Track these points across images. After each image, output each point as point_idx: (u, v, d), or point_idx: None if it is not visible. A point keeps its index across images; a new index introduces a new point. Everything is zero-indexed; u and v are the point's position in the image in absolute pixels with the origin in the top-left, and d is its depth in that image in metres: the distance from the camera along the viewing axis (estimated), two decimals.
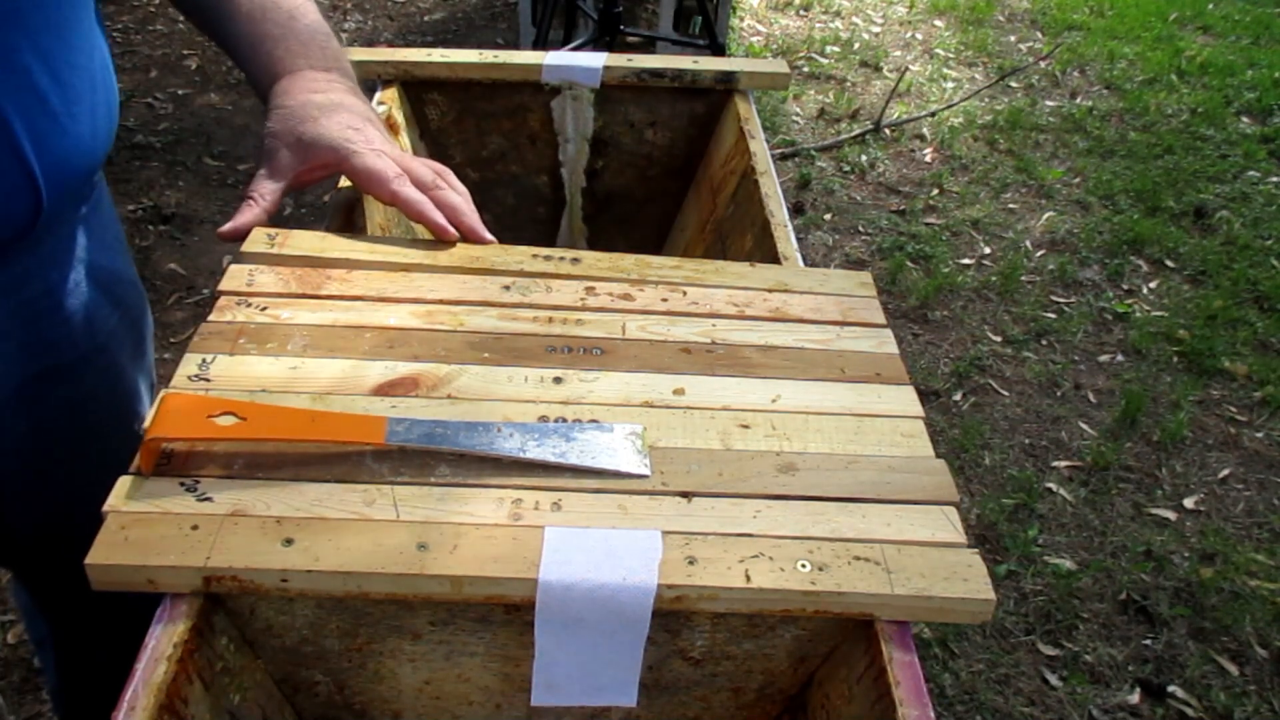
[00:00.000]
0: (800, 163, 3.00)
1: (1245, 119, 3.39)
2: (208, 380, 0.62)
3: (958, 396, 2.17)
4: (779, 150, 3.03)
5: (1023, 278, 2.56)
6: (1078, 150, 3.16)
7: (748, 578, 0.53)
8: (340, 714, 0.64)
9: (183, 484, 0.55)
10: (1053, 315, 2.44)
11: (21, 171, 0.65)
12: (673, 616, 0.57)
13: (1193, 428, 2.11)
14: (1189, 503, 1.94)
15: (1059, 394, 2.20)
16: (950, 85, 3.51)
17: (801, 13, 4.04)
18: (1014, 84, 3.56)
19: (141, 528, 0.52)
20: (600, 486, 0.58)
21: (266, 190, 0.76)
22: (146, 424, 0.55)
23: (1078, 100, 3.47)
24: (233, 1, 0.81)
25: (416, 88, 1.12)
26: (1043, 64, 3.70)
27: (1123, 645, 1.66)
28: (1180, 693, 1.58)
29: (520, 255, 0.77)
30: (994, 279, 2.54)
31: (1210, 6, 4.28)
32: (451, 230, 0.76)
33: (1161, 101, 3.46)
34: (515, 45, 3.41)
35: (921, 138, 3.18)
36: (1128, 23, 4.10)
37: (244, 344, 0.65)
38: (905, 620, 0.55)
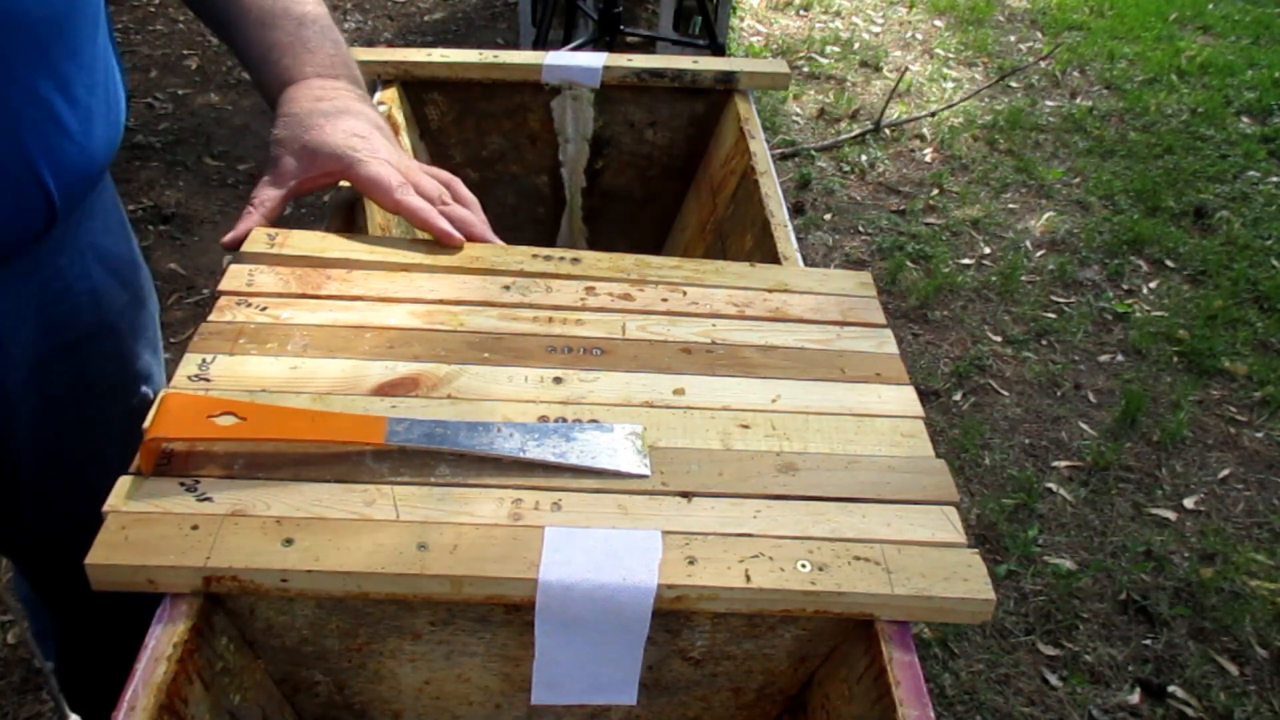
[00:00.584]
0: (800, 163, 3.00)
1: (1245, 119, 3.39)
2: (208, 380, 0.62)
3: (958, 396, 2.17)
4: (779, 150, 3.03)
5: (1023, 278, 2.56)
6: (1078, 150, 3.16)
7: (748, 578, 0.53)
8: (340, 714, 0.64)
9: (183, 484, 0.55)
10: (1053, 315, 2.44)
11: (37, 188, 0.66)
12: (673, 616, 0.57)
13: (1193, 428, 2.11)
14: (1189, 503, 1.94)
15: (1059, 394, 2.20)
16: (950, 85, 3.51)
17: (801, 13, 4.04)
18: (1014, 84, 3.56)
19: (141, 528, 0.52)
20: (600, 486, 0.58)
21: (268, 197, 0.76)
22: (147, 424, 0.56)
23: (1078, 100, 3.47)
24: (242, 8, 0.81)
25: (416, 88, 1.12)
26: (1043, 64, 3.70)
27: (1123, 645, 1.66)
28: (1180, 693, 1.58)
29: (520, 255, 0.77)
30: (994, 279, 2.54)
31: (1210, 6, 4.28)
32: (457, 235, 0.76)
33: (1161, 101, 3.46)
34: (515, 45, 3.41)
35: (921, 138, 3.18)
36: (1128, 23, 4.10)
37: (244, 344, 0.65)
38: (905, 620, 0.55)
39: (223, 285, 0.71)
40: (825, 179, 2.92)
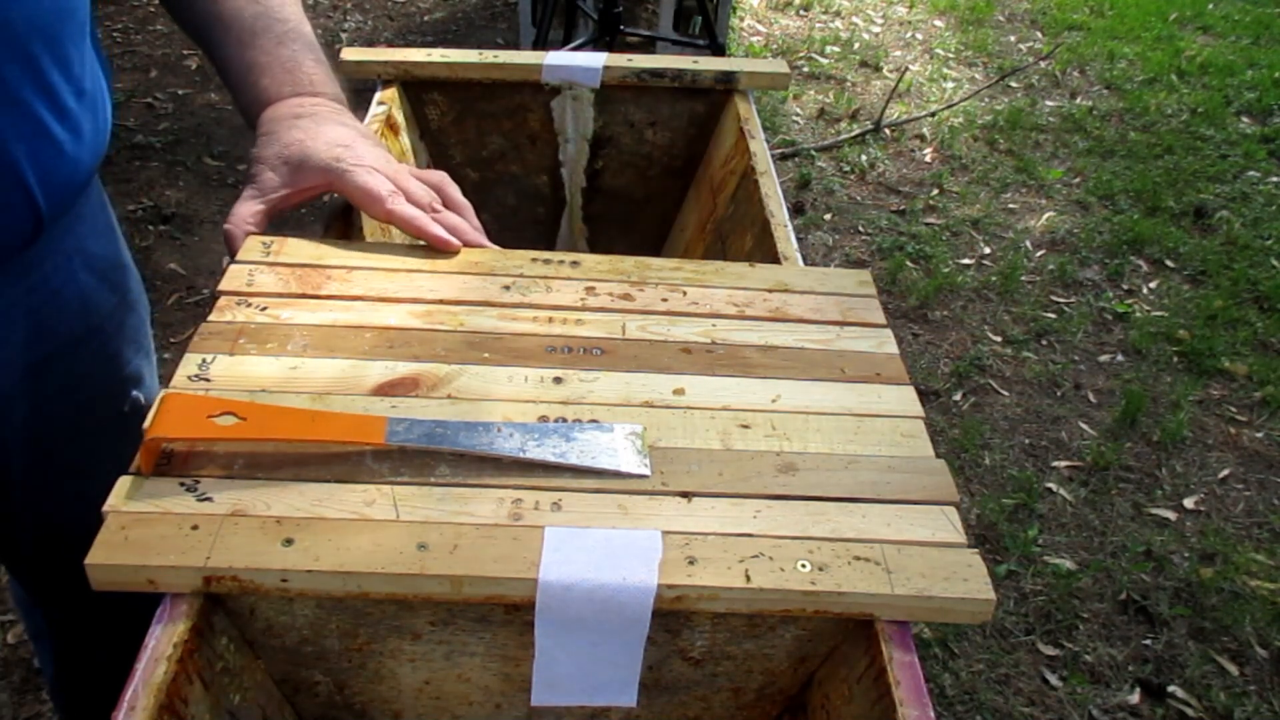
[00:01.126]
0: (800, 163, 3.00)
1: (1245, 119, 3.39)
2: (208, 380, 0.62)
3: (958, 396, 2.17)
4: (779, 150, 3.03)
5: (1023, 278, 2.56)
6: (1078, 150, 3.16)
7: (748, 578, 0.53)
8: (340, 714, 0.64)
9: (183, 484, 0.55)
10: (1053, 315, 2.44)
11: (24, 198, 0.66)
12: (673, 616, 0.57)
13: (1193, 428, 2.11)
14: (1189, 503, 1.94)
15: (1059, 394, 2.20)
16: (950, 85, 3.51)
17: (801, 13, 4.04)
18: (1014, 84, 3.56)
19: (141, 528, 0.52)
20: (600, 486, 0.58)
21: (249, 213, 0.75)
22: (147, 424, 0.56)
23: (1078, 100, 3.47)
24: (223, 27, 0.80)
25: (416, 88, 1.12)
26: (1043, 64, 3.70)
27: (1123, 645, 1.66)
28: (1180, 693, 1.58)
29: (519, 259, 0.77)
30: (994, 279, 2.54)
31: (1210, 6, 4.28)
32: (453, 241, 0.76)
33: (1161, 101, 3.46)
34: (515, 45, 3.41)
35: (921, 138, 3.18)
36: (1128, 23, 4.10)
37: (244, 344, 0.65)
38: (905, 620, 0.55)
39: (223, 285, 0.71)
40: (825, 179, 2.92)
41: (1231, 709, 1.56)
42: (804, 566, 0.54)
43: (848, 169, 2.99)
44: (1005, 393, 2.20)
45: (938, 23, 4.05)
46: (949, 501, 0.59)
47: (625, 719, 0.64)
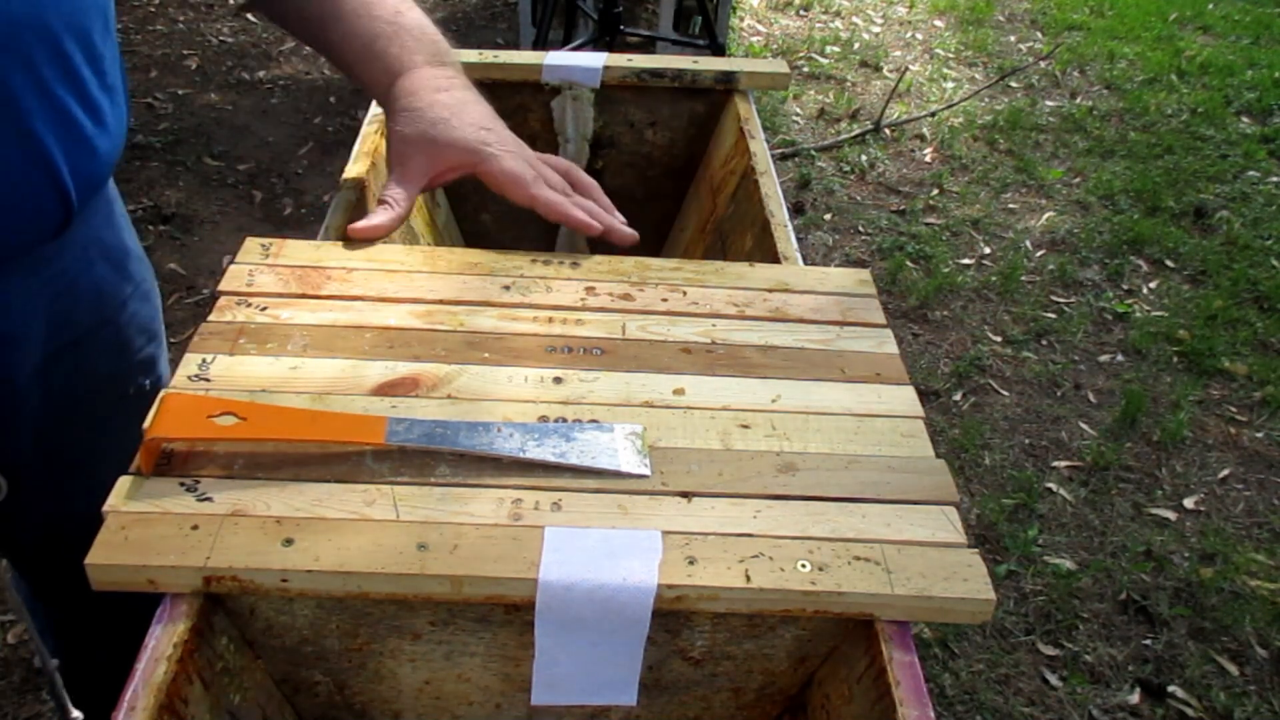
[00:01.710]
0: (800, 163, 3.00)
1: (1245, 119, 3.39)
2: (208, 380, 0.62)
3: (958, 396, 2.17)
4: (779, 150, 3.03)
5: (1023, 278, 2.56)
6: (1078, 150, 3.16)
7: (748, 578, 0.53)
8: (340, 714, 0.64)
9: (183, 484, 0.55)
10: (1053, 315, 2.44)
11: (56, 191, 0.67)
12: (673, 616, 0.57)
13: (1193, 428, 2.11)
14: (1189, 503, 1.94)
15: (1059, 394, 2.20)
16: (950, 85, 3.51)
17: (801, 13, 4.04)
18: (1014, 84, 3.56)
19: (141, 528, 0.52)
20: (600, 486, 0.58)
21: (400, 196, 0.76)
22: (147, 424, 0.56)
23: (1078, 100, 3.47)
24: (334, 4, 0.80)
25: None
26: (1043, 64, 3.70)
27: (1123, 645, 1.66)
28: (1180, 693, 1.58)
29: (519, 259, 0.77)
30: (994, 279, 2.54)
31: (1210, 6, 4.28)
32: (595, 225, 0.77)
33: (1161, 101, 3.46)
34: (515, 45, 3.41)
35: (921, 138, 3.18)
36: (1128, 23, 4.10)
37: (244, 344, 0.65)
38: (905, 620, 0.55)
39: (223, 285, 0.71)
40: (825, 179, 2.92)
41: (1231, 709, 1.56)
42: (804, 566, 0.54)
43: (848, 169, 2.99)
44: (1005, 393, 2.20)
45: (938, 23, 4.05)
46: (949, 501, 0.59)
47: (625, 719, 0.64)
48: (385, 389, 0.63)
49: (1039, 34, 4.02)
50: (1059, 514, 1.90)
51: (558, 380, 0.65)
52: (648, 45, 3.24)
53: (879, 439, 0.63)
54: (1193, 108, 3.42)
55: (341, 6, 0.80)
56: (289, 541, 0.52)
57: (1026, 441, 2.07)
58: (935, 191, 2.91)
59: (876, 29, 3.95)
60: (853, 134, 3.14)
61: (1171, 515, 1.91)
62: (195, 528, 0.53)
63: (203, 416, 0.57)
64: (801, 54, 3.66)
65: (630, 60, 1.12)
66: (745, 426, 0.63)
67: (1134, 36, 3.98)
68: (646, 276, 0.77)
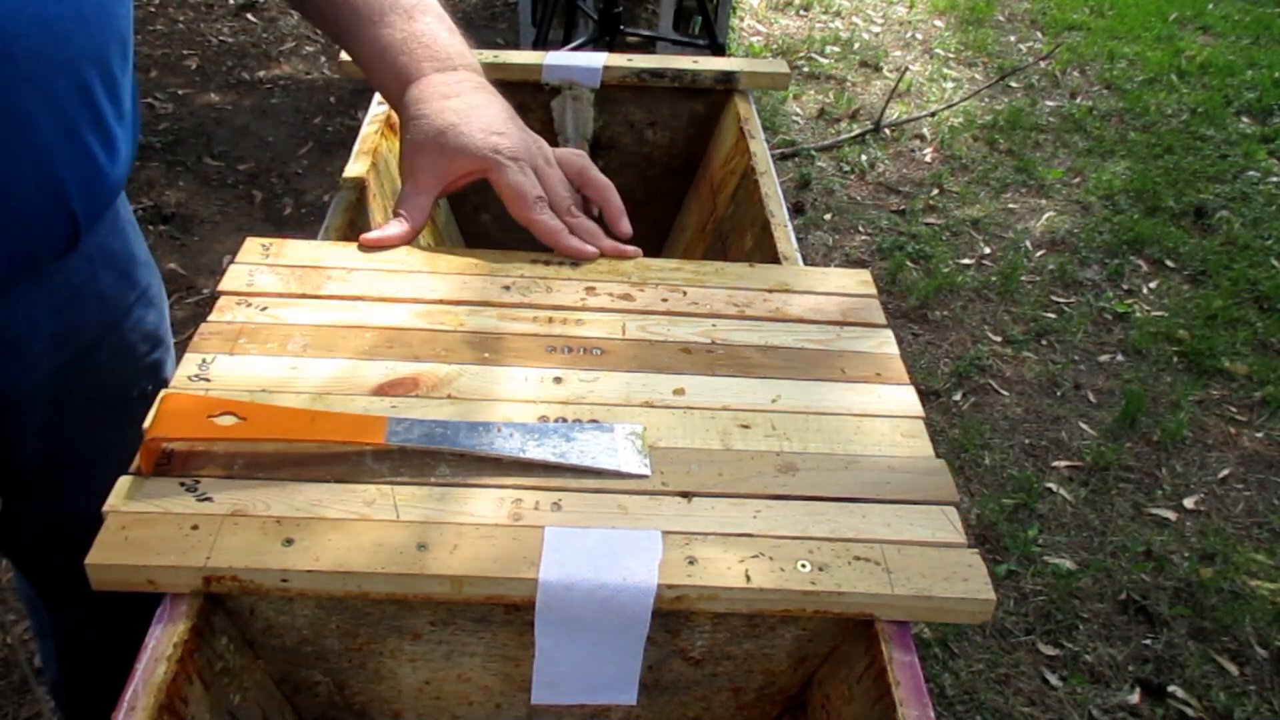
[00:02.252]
0: (800, 163, 3.00)
1: (1245, 119, 3.39)
2: (208, 380, 0.62)
3: (958, 396, 2.17)
4: (779, 150, 3.03)
5: (1023, 278, 2.56)
6: (1078, 150, 3.16)
7: (748, 578, 0.53)
8: (340, 714, 0.64)
9: (183, 484, 0.55)
10: (1053, 315, 2.44)
11: (65, 215, 0.68)
12: (673, 616, 0.57)
13: (1193, 428, 2.11)
14: (1189, 503, 1.94)
15: (1059, 394, 2.20)
16: (950, 85, 3.51)
17: (801, 13, 4.04)
18: (1014, 84, 3.56)
19: (141, 528, 0.52)
20: (600, 486, 0.58)
21: (414, 207, 0.76)
22: (147, 424, 0.56)
23: (1078, 100, 3.47)
24: (351, 7, 0.80)
25: None
26: (1043, 64, 3.70)
27: (1123, 645, 1.66)
28: (1180, 693, 1.58)
29: (519, 259, 0.77)
30: (994, 279, 2.54)
31: (1210, 6, 4.28)
32: (589, 250, 0.77)
33: (1161, 101, 3.46)
34: (515, 45, 3.40)
35: (921, 138, 3.18)
36: (1128, 23, 4.10)
37: (244, 344, 0.65)
38: (905, 620, 0.55)
39: (223, 285, 0.71)
40: (825, 179, 2.92)
41: (1231, 709, 1.56)
42: (804, 566, 0.54)
43: (848, 169, 2.99)
44: (1005, 393, 2.20)
45: (938, 23, 4.05)
46: (949, 501, 0.59)
47: (625, 719, 0.64)
48: (385, 389, 0.63)
49: (1039, 34, 4.02)
50: (1059, 514, 1.90)
51: (558, 380, 0.65)
52: (648, 45, 3.24)
53: (879, 439, 0.63)
54: (1193, 108, 3.42)
55: (355, 13, 0.80)
56: (289, 541, 0.52)
57: (1026, 441, 2.07)
58: (935, 191, 2.91)
59: (876, 29, 3.95)
60: (853, 134, 3.14)
61: (1171, 515, 1.91)
62: (195, 528, 0.53)
63: (203, 416, 0.57)
64: (801, 54, 3.66)
65: (630, 60, 1.12)
66: (745, 426, 0.63)
67: (1134, 36, 3.98)
68: (646, 276, 0.77)
